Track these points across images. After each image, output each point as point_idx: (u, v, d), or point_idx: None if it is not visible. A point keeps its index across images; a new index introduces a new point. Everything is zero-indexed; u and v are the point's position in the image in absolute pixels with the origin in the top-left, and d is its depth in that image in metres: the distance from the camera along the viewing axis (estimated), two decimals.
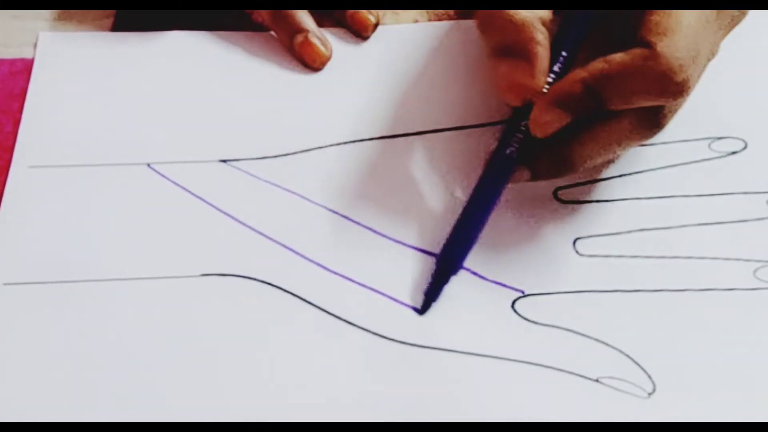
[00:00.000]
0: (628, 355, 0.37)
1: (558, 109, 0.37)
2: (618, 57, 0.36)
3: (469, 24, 0.49)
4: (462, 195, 0.41)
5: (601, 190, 0.42)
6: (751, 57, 0.47)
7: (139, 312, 0.38)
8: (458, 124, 0.45)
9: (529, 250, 0.40)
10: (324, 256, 0.40)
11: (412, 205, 0.42)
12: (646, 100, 0.37)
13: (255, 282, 0.39)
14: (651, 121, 0.38)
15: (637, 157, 0.43)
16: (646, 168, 0.43)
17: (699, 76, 0.38)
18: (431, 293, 0.39)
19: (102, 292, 0.39)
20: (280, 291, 0.39)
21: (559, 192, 0.42)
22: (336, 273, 0.40)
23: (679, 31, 0.36)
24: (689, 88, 0.37)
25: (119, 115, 0.45)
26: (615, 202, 0.42)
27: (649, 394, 0.36)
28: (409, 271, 0.40)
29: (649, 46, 0.36)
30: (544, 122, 0.37)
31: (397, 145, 0.44)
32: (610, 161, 0.42)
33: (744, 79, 0.46)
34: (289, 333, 0.38)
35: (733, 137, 0.44)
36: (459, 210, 0.40)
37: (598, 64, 0.36)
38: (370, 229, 0.41)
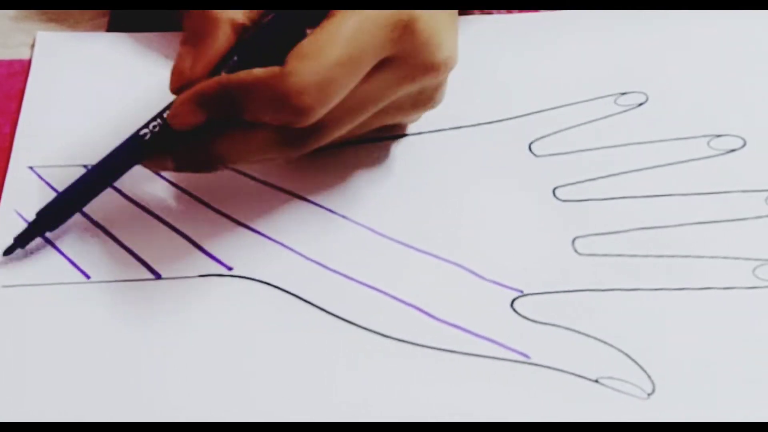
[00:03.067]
0: (627, 355, 0.37)
1: (195, 105, 0.37)
2: (258, 70, 0.36)
3: (466, 22, 0.49)
4: None
5: (600, 189, 0.42)
6: (750, 55, 0.47)
7: (137, 313, 0.38)
8: (455, 125, 0.45)
9: (528, 250, 0.40)
10: (324, 256, 0.40)
11: (411, 205, 0.42)
12: (270, 118, 0.37)
13: (255, 282, 0.39)
14: (289, 139, 0.38)
15: (636, 155, 0.43)
16: (645, 166, 0.43)
17: (332, 104, 0.36)
18: (21, 239, 0.40)
19: (102, 292, 0.39)
20: (280, 291, 0.39)
21: (558, 191, 0.42)
22: (336, 272, 0.40)
23: (317, 58, 0.35)
24: (311, 114, 0.36)
25: (118, 115, 0.45)
26: (614, 201, 0.42)
27: (649, 394, 0.36)
28: (409, 270, 0.40)
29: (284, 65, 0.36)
30: (178, 114, 0.38)
31: (395, 145, 0.44)
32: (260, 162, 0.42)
33: (743, 77, 0.46)
34: (289, 332, 0.38)
35: (732, 135, 0.44)
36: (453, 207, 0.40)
37: (242, 73, 0.36)
38: (369, 228, 0.41)
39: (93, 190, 0.40)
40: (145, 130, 0.39)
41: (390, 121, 0.41)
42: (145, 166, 0.40)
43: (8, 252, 0.40)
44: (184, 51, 0.39)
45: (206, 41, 0.38)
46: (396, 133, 0.44)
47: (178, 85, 0.38)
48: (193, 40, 0.39)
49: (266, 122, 0.37)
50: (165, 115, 0.39)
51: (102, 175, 0.40)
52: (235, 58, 0.38)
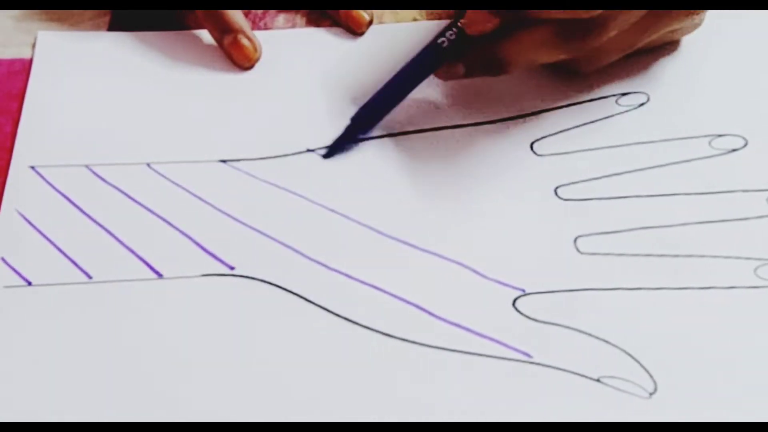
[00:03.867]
0: (629, 354, 0.37)
1: (488, 12, 0.40)
2: None
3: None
4: None
5: (602, 188, 0.42)
6: (751, 55, 0.47)
7: (139, 312, 0.38)
8: (455, 123, 0.45)
9: (530, 249, 0.40)
10: (324, 255, 0.40)
11: (413, 204, 0.42)
12: (560, 13, 0.40)
13: (256, 282, 0.39)
14: (570, 34, 0.41)
15: (637, 154, 0.43)
16: (647, 166, 0.43)
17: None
18: (338, 144, 0.43)
19: (102, 292, 0.39)
20: (281, 290, 0.39)
21: (560, 190, 0.42)
22: (337, 271, 0.40)
23: None
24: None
25: (119, 114, 0.45)
26: (615, 200, 0.42)
27: (651, 393, 0.36)
28: (410, 269, 0.40)
29: None
30: (474, 20, 0.41)
31: (395, 144, 0.44)
32: (536, 63, 0.44)
33: (744, 76, 0.46)
34: (291, 332, 0.38)
35: (733, 135, 0.44)
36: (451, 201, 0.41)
37: None
38: (371, 228, 0.41)
39: (395, 98, 0.44)
40: (442, 39, 0.42)
41: (664, 29, 0.44)
42: (438, 75, 0.43)
43: (328, 155, 0.43)
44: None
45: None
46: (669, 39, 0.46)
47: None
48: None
49: (554, 18, 0.40)
50: (459, 23, 0.42)
51: (402, 82, 0.43)
52: None
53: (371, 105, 0.44)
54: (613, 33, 0.42)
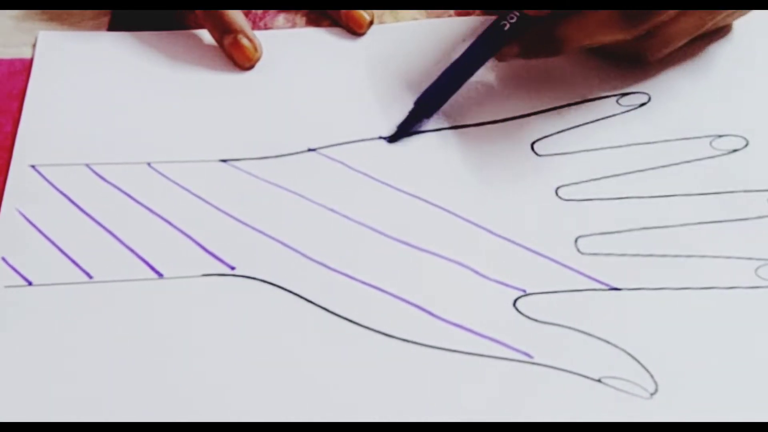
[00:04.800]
0: (630, 354, 0.37)
1: None
2: None
3: (466, 21, 0.49)
4: None
5: (603, 189, 0.42)
6: (751, 55, 0.47)
7: (139, 312, 0.38)
8: (458, 124, 0.45)
9: (531, 249, 0.40)
10: (325, 255, 0.40)
11: (413, 204, 0.42)
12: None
13: (256, 282, 0.39)
14: (631, 19, 0.42)
15: (638, 155, 0.43)
16: (648, 166, 0.43)
17: None
18: (403, 127, 0.44)
19: (102, 292, 0.39)
20: (282, 290, 0.39)
21: (560, 190, 0.42)
22: (337, 271, 0.40)
23: None
24: None
25: (119, 114, 0.45)
26: (616, 201, 0.42)
27: (652, 394, 0.36)
28: (411, 270, 0.40)
29: None
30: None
31: (398, 145, 0.44)
32: (596, 43, 0.44)
33: (745, 76, 0.46)
34: (292, 332, 0.38)
35: (734, 135, 0.44)
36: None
37: None
38: (372, 228, 0.41)
39: (457, 80, 0.45)
40: (504, 22, 0.44)
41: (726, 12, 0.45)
42: (497, 57, 0.45)
43: (393, 139, 0.44)
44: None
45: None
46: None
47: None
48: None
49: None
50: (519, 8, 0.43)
51: (466, 64, 0.44)
52: None
53: (435, 88, 0.45)
54: (674, 13, 0.42)
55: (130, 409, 0.36)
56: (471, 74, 0.45)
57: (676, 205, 0.41)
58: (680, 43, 0.45)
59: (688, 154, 0.43)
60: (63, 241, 0.40)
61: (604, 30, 0.43)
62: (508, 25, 0.43)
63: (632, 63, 0.46)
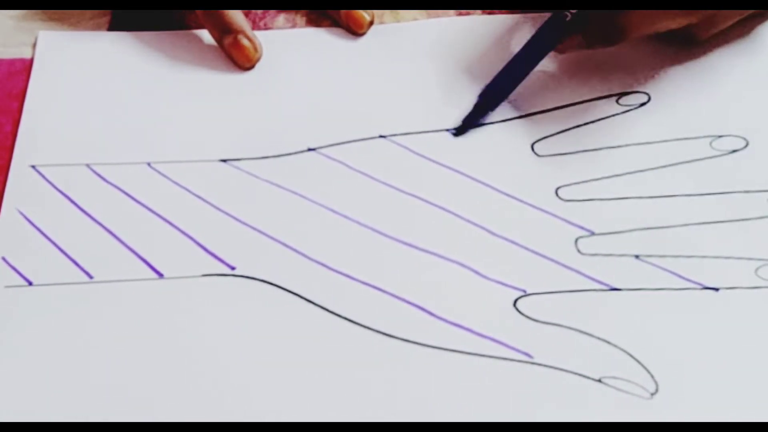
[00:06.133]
0: (630, 354, 0.37)
1: None
2: None
3: (467, 21, 0.49)
4: None
5: (602, 189, 0.42)
6: (751, 55, 0.47)
7: (140, 312, 0.38)
8: (455, 124, 0.45)
9: (531, 250, 0.40)
10: (325, 255, 0.40)
11: (414, 204, 0.42)
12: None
13: (256, 282, 0.39)
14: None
15: (638, 155, 0.43)
16: (648, 167, 0.43)
17: None
18: (469, 120, 0.44)
19: (103, 292, 0.39)
20: (282, 290, 0.39)
21: (560, 191, 0.42)
22: (337, 271, 0.40)
23: None
24: None
25: (119, 114, 0.45)
26: (616, 201, 0.42)
27: (652, 394, 0.36)
28: (412, 270, 0.40)
29: None
30: None
31: (398, 145, 0.44)
32: (660, 29, 0.44)
33: (745, 77, 0.46)
34: (292, 332, 0.38)
35: (734, 135, 0.44)
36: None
37: None
38: (372, 228, 0.41)
39: (522, 71, 0.45)
40: (566, 12, 0.44)
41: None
42: (557, 49, 0.45)
43: (458, 133, 0.44)
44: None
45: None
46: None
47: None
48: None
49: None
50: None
51: (527, 57, 0.45)
52: None
53: (498, 81, 0.45)
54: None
55: (130, 409, 0.36)
56: (533, 66, 0.45)
57: (676, 205, 0.41)
58: (729, 24, 0.45)
59: (687, 154, 0.43)
60: (63, 241, 0.40)
61: (668, 16, 0.43)
62: (569, 16, 0.44)
63: (681, 44, 0.46)
